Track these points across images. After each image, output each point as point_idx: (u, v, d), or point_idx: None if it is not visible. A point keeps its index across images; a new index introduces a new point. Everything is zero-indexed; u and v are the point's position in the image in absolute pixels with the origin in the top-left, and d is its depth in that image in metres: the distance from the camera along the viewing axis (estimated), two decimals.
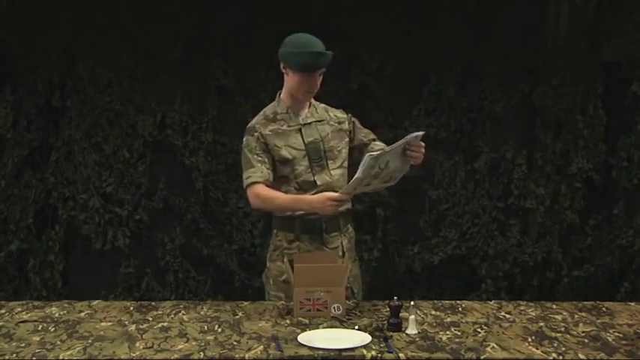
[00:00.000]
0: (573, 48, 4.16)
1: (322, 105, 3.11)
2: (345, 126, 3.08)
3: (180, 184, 4.30)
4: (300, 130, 2.98)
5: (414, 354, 2.28)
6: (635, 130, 4.18)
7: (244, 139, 3.00)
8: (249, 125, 3.02)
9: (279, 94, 3.04)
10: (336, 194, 2.82)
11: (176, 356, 2.28)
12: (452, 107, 4.23)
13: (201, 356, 2.29)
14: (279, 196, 2.91)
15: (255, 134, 2.97)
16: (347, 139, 3.07)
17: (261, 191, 2.91)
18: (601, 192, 4.23)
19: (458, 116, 4.23)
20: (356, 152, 3.09)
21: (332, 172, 2.99)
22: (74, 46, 4.23)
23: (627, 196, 4.21)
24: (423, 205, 4.29)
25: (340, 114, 3.12)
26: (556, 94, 4.18)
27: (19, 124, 4.25)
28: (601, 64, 4.17)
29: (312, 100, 3.06)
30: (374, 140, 3.13)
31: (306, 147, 2.97)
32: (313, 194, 2.91)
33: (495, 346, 2.36)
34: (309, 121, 3.01)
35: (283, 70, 2.96)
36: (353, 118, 3.13)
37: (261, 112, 3.05)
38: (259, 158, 2.95)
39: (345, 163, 3.05)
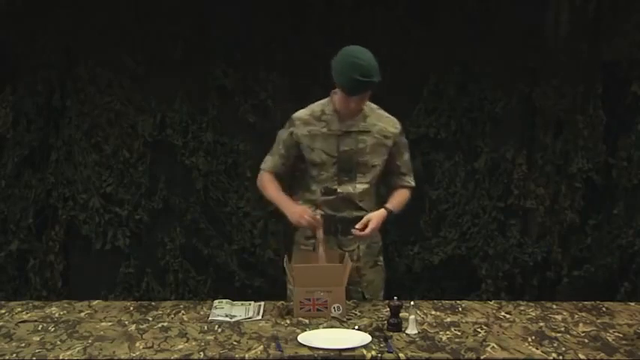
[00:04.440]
0: (573, 48, 4.16)
1: (378, 112, 3.01)
2: (389, 142, 3.00)
3: (181, 184, 4.29)
4: (338, 137, 2.93)
5: (414, 354, 2.29)
6: (635, 130, 4.17)
7: (286, 125, 3.02)
8: (294, 115, 3.01)
9: (333, 91, 2.95)
10: (311, 215, 2.86)
11: (176, 356, 2.29)
12: (452, 107, 4.22)
13: (201, 356, 2.29)
14: (270, 189, 3.04)
15: (291, 129, 2.98)
16: (386, 157, 3.01)
17: (263, 178, 3.09)
18: (601, 192, 4.23)
19: (458, 116, 4.22)
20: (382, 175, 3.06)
21: (357, 185, 2.97)
22: (74, 46, 4.22)
23: (627, 196, 4.20)
24: (423, 205, 4.28)
25: (391, 127, 3.02)
26: (556, 94, 4.18)
27: (19, 124, 4.25)
28: (601, 64, 4.16)
29: (366, 105, 2.97)
30: (403, 176, 3.07)
31: (338, 155, 2.94)
32: (333, 200, 2.94)
33: (495, 346, 2.37)
34: (351, 129, 2.94)
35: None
36: (399, 140, 3.04)
37: (311, 105, 3.01)
38: (281, 151, 3.02)
39: (375, 180, 3.02)
